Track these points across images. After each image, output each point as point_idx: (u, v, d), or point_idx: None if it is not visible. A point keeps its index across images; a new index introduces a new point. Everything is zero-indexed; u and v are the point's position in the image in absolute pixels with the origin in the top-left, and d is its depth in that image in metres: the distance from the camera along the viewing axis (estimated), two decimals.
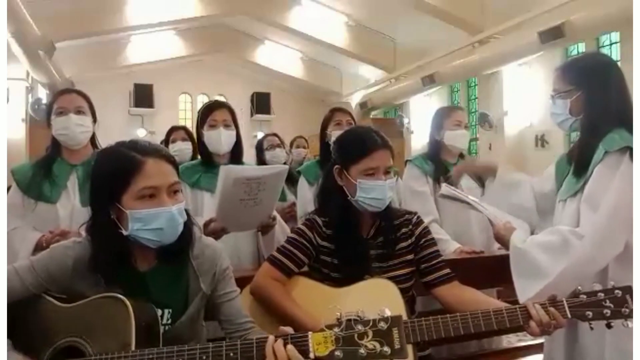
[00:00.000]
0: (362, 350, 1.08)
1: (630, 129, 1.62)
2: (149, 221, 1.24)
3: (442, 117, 2.64)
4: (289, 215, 2.79)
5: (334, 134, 2.62)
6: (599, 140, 1.62)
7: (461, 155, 2.71)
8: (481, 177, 2.50)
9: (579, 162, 1.70)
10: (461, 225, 2.49)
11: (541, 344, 1.90)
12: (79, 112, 2.06)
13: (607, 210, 1.55)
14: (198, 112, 2.36)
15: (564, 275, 1.56)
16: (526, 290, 1.62)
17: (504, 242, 1.76)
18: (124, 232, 1.26)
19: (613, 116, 1.65)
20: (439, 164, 2.57)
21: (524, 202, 2.00)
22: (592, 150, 1.64)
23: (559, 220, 1.74)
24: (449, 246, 2.34)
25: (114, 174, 1.26)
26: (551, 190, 1.91)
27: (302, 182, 2.69)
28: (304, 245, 1.65)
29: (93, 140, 2.14)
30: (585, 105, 1.70)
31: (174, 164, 1.32)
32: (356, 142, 1.65)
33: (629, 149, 1.56)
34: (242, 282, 1.60)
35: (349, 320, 1.11)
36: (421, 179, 2.54)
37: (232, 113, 2.29)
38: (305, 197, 2.64)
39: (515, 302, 1.51)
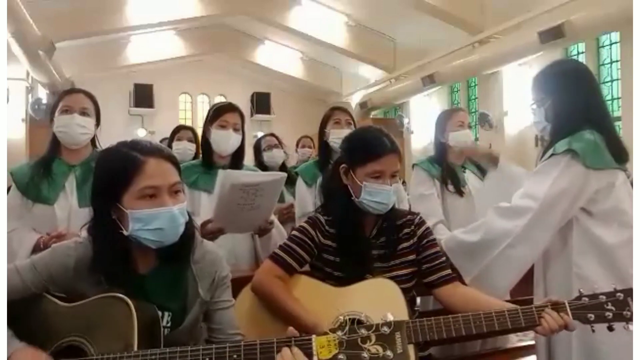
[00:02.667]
0: (365, 354, 1.09)
1: (598, 129, 1.71)
2: (150, 221, 1.24)
3: (445, 120, 2.68)
4: (287, 216, 2.79)
5: (332, 132, 2.64)
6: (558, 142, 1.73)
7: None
8: (483, 169, 2.58)
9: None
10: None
11: None
12: (83, 113, 2.05)
13: (543, 198, 1.69)
14: (209, 110, 2.37)
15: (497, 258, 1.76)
16: (469, 270, 1.82)
17: None
18: (125, 233, 1.25)
19: (579, 119, 1.73)
20: (446, 166, 2.60)
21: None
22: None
23: None
24: None
25: (115, 173, 1.26)
26: None
27: (300, 183, 2.69)
28: (307, 243, 1.65)
29: (93, 140, 2.14)
30: (554, 110, 1.80)
31: (176, 163, 1.32)
32: (366, 145, 1.64)
33: (572, 152, 1.67)
34: (239, 282, 1.60)
35: (352, 324, 1.12)
36: (428, 182, 2.58)
37: (242, 117, 2.32)
38: (303, 198, 2.65)
39: (515, 302, 1.51)
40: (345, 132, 2.55)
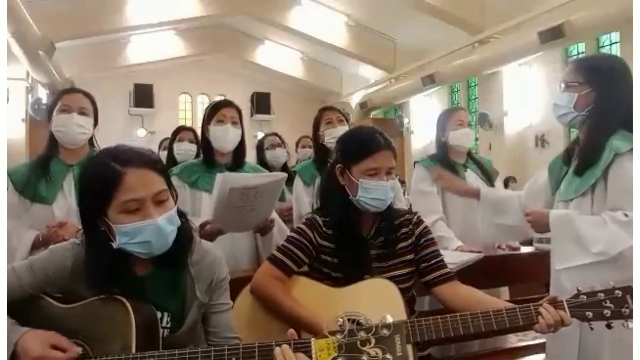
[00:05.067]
0: (364, 358, 1.08)
1: (630, 130, 1.64)
2: (135, 235, 1.20)
3: (445, 119, 2.70)
4: (287, 218, 2.79)
5: (326, 133, 2.67)
6: (604, 140, 1.64)
7: (469, 154, 2.73)
8: (485, 170, 2.60)
9: (583, 160, 1.70)
10: (467, 224, 2.52)
11: (541, 344, 1.90)
12: (82, 113, 2.05)
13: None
14: (205, 109, 2.36)
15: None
16: (570, 258, 1.63)
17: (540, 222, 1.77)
18: (114, 245, 1.23)
19: (619, 118, 1.66)
20: (447, 164, 2.61)
21: (512, 222, 2.04)
22: (597, 150, 1.65)
23: None
24: (451, 244, 2.36)
25: (96, 187, 1.22)
26: (545, 195, 1.92)
27: (298, 182, 2.70)
28: (304, 245, 1.65)
29: (91, 139, 2.13)
30: (594, 102, 1.70)
31: (160, 170, 1.27)
32: (359, 142, 1.65)
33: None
34: (239, 282, 1.59)
35: (352, 327, 1.11)
36: (428, 180, 2.60)
37: (239, 112, 2.31)
38: (301, 197, 2.67)
39: (516, 302, 1.51)
40: (339, 129, 2.60)
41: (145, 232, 1.20)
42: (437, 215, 2.48)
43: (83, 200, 1.28)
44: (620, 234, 1.57)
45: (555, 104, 1.80)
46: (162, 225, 1.21)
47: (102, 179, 1.20)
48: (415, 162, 2.73)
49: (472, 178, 2.63)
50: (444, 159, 2.64)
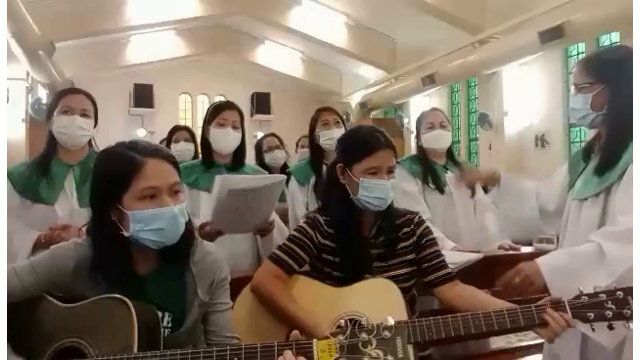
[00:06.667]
0: (365, 359, 1.09)
1: None
2: (151, 221, 1.24)
3: (419, 122, 2.71)
4: (288, 218, 2.80)
5: (321, 134, 2.69)
6: (628, 140, 1.55)
7: (451, 157, 2.72)
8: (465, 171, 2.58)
9: (604, 160, 1.62)
10: (449, 225, 2.52)
11: (541, 344, 1.90)
12: (84, 115, 2.04)
13: None
14: (207, 110, 2.37)
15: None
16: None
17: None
18: (125, 234, 1.25)
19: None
20: (426, 165, 2.62)
21: (526, 213, 1.98)
22: (619, 150, 1.57)
23: (574, 220, 1.70)
24: (446, 244, 2.36)
25: (115, 174, 1.26)
26: (562, 192, 1.86)
27: (292, 182, 2.72)
28: (306, 244, 1.65)
29: (90, 140, 2.12)
30: (610, 99, 1.62)
31: (175, 164, 1.32)
32: (360, 141, 1.66)
33: None
34: (239, 283, 1.60)
35: (352, 325, 1.12)
36: (410, 180, 2.59)
37: (241, 115, 2.31)
38: (296, 197, 2.69)
39: (515, 302, 1.50)
40: (334, 131, 2.63)
41: (161, 218, 1.24)
42: (424, 216, 2.45)
43: (98, 187, 1.30)
44: (620, 250, 1.46)
45: (572, 107, 1.73)
46: (177, 214, 1.26)
47: (122, 166, 1.25)
48: (396, 162, 2.70)
49: (453, 180, 2.62)
50: (423, 161, 2.64)
